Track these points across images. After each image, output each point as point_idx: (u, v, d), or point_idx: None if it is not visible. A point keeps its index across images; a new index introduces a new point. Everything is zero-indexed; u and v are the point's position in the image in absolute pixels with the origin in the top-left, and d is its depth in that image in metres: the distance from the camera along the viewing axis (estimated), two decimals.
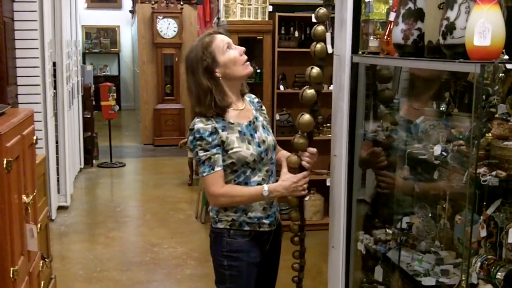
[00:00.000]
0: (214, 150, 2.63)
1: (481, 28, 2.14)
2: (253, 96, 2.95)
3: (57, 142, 6.58)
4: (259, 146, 2.73)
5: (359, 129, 3.21)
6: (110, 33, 15.49)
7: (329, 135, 3.60)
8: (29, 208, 2.82)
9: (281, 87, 5.87)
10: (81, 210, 6.84)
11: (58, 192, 6.63)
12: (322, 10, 2.77)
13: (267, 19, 5.69)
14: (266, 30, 5.64)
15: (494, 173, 2.32)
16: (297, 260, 3.09)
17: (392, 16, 2.87)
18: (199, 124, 2.64)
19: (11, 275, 2.45)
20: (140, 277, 4.89)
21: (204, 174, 2.64)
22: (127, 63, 15.69)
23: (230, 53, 2.68)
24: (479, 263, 2.43)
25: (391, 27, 2.85)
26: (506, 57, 2.26)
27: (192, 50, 2.73)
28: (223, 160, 2.65)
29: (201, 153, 2.63)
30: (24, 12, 5.49)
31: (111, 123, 9.33)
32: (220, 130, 2.64)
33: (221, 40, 2.69)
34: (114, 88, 9.16)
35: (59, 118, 6.71)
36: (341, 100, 3.18)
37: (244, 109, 2.79)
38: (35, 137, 3.08)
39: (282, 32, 5.82)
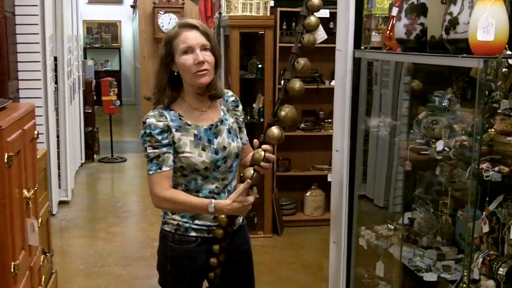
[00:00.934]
0: (164, 149, 2.44)
1: (485, 23, 2.13)
2: (231, 93, 2.70)
3: (58, 137, 6.57)
4: (216, 153, 2.51)
5: (360, 125, 3.20)
6: (111, 28, 15.47)
7: (331, 131, 3.59)
8: (30, 203, 2.81)
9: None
10: (82, 205, 6.84)
11: (59, 187, 6.63)
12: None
13: (268, 14, 5.67)
14: (268, 25, 5.62)
15: (496, 168, 2.31)
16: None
17: (394, 11, 2.86)
18: (152, 119, 2.47)
19: (12, 270, 2.45)
20: (140, 272, 4.89)
21: (150, 173, 2.46)
22: (128, 58, 15.67)
23: (184, 59, 2.44)
24: (481, 259, 2.43)
25: (394, 22, 2.84)
26: (509, 52, 2.26)
27: (167, 33, 2.55)
28: (174, 162, 2.47)
29: (149, 150, 2.45)
30: (25, 6, 5.48)
31: (112, 118, 9.33)
32: (173, 130, 2.46)
33: (182, 40, 2.45)
34: (115, 83, 9.15)
35: (60, 113, 6.70)
36: (343, 95, 3.18)
37: (207, 111, 2.56)
38: (36, 132, 3.07)
39: (284, 27, 5.81)
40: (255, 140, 2.44)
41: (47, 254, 3.50)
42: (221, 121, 2.58)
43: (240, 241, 2.71)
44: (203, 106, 2.56)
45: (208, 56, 2.46)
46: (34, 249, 2.94)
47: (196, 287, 2.67)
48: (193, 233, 2.56)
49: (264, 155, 2.39)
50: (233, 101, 2.68)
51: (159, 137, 2.44)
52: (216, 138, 2.53)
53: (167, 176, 2.46)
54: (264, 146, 2.40)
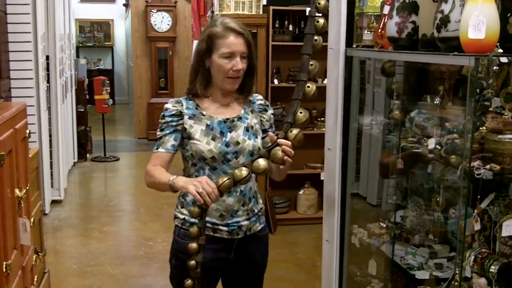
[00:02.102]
0: (167, 132, 2.55)
1: (476, 21, 2.14)
2: (260, 97, 2.73)
3: (50, 136, 6.54)
4: (226, 145, 2.53)
5: (353, 123, 3.20)
6: (104, 27, 15.43)
7: (323, 129, 3.60)
8: (22, 202, 2.80)
9: (275, 81, 5.85)
10: (74, 204, 6.83)
11: (52, 186, 6.60)
12: (323, 1, 2.65)
13: (261, 12, 5.67)
14: (260, 23, 5.62)
15: (488, 166, 2.32)
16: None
17: (386, 9, 2.86)
18: (169, 104, 2.60)
19: (4, 269, 2.44)
20: (133, 271, 4.89)
21: (153, 151, 2.60)
22: (121, 57, 15.64)
23: (223, 62, 2.49)
24: (472, 257, 2.44)
25: (385, 20, 2.85)
26: (500, 50, 2.26)
27: (209, 25, 2.59)
28: (186, 150, 2.57)
29: (158, 131, 2.60)
30: (17, 5, 5.45)
31: (105, 117, 9.30)
32: (186, 117, 2.55)
33: (227, 44, 2.48)
34: (108, 82, 9.13)
35: (52, 112, 6.67)
36: (335, 93, 3.18)
37: (227, 107, 2.61)
38: (28, 131, 3.06)
39: (276, 25, 5.81)
40: (271, 134, 2.36)
41: (40, 254, 3.49)
42: (239, 118, 2.61)
43: (254, 251, 2.70)
44: (225, 101, 2.62)
45: (244, 64, 2.53)
46: (26, 249, 2.93)
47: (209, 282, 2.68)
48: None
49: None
50: (260, 104, 2.72)
51: (169, 119, 2.56)
52: (230, 132, 2.56)
53: (160, 157, 2.56)
54: (281, 141, 2.29)
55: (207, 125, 2.55)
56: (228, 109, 2.61)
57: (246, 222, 2.61)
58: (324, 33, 2.54)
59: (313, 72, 2.48)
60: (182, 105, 2.58)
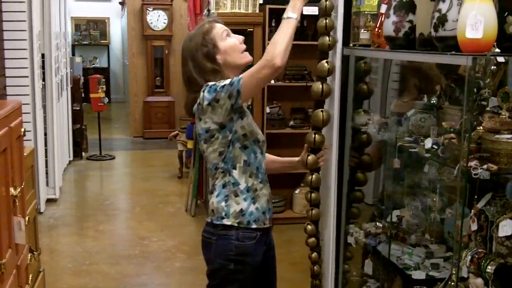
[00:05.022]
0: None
1: (473, 20, 2.13)
2: None
3: (45, 135, 6.53)
4: None
5: (349, 122, 3.20)
6: (100, 25, 15.40)
7: None
8: (17, 201, 2.79)
9: (272, 80, 5.85)
10: (70, 203, 6.81)
11: (47, 185, 6.58)
12: (329, 1, 2.77)
13: (257, 11, 5.66)
14: (257, 22, 5.61)
15: (485, 166, 2.31)
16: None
17: (383, 8, 2.85)
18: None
19: None
20: (129, 271, 4.87)
21: (240, 82, 2.40)
22: (116, 55, 15.61)
23: (229, 40, 2.62)
24: (469, 257, 2.43)
25: (382, 19, 2.84)
26: (497, 50, 2.26)
27: (191, 38, 2.62)
28: (234, 132, 2.49)
29: (219, 87, 2.44)
30: (13, 3, 5.44)
31: (101, 115, 9.28)
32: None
33: (220, 27, 2.63)
34: (104, 80, 9.10)
35: (47, 110, 6.65)
36: (331, 92, 3.17)
37: None
38: (23, 129, 3.05)
39: (273, 24, 5.79)
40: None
41: (34, 253, 3.48)
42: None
43: (271, 238, 2.77)
44: None
45: None
46: (21, 248, 2.91)
47: (255, 285, 2.66)
48: (254, 225, 2.55)
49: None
50: None
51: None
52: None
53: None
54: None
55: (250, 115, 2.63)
56: None
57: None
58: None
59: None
60: None
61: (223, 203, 2.55)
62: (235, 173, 2.54)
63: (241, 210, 2.54)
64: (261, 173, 2.60)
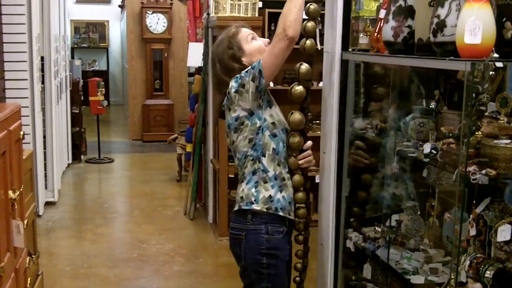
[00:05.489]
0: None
1: (472, 26, 2.14)
2: None
3: (44, 137, 6.52)
4: None
5: (348, 126, 3.20)
6: (99, 28, 15.41)
7: (319, 132, 3.59)
8: (16, 204, 2.79)
9: (271, 84, 5.84)
10: (68, 206, 6.81)
11: (46, 188, 6.58)
12: (313, 6, 2.75)
13: (257, 15, 5.66)
14: (256, 26, 5.60)
15: (484, 171, 2.31)
16: (299, 260, 3.06)
17: (382, 13, 2.86)
18: None
19: None
20: (127, 274, 4.87)
21: (260, 62, 2.60)
22: (116, 58, 15.62)
23: (254, 43, 2.76)
24: (468, 262, 2.43)
25: (381, 24, 2.85)
26: (496, 55, 2.26)
27: (219, 43, 2.78)
28: (263, 120, 2.66)
29: (243, 73, 2.63)
30: (12, 6, 5.44)
31: (100, 118, 9.28)
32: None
33: (246, 31, 2.78)
34: (103, 83, 9.10)
35: (46, 113, 6.65)
36: (331, 97, 3.18)
37: None
38: (22, 132, 3.05)
39: (272, 28, 5.80)
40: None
41: (33, 256, 3.48)
42: None
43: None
44: None
45: None
46: (19, 251, 2.91)
47: (286, 280, 2.80)
48: (281, 213, 2.66)
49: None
50: None
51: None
52: None
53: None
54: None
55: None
56: None
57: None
58: (312, 36, 2.78)
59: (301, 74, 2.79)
60: None
61: (253, 189, 2.66)
62: (264, 160, 2.66)
63: (270, 196, 2.65)
64: (285, 162, 2.73)
